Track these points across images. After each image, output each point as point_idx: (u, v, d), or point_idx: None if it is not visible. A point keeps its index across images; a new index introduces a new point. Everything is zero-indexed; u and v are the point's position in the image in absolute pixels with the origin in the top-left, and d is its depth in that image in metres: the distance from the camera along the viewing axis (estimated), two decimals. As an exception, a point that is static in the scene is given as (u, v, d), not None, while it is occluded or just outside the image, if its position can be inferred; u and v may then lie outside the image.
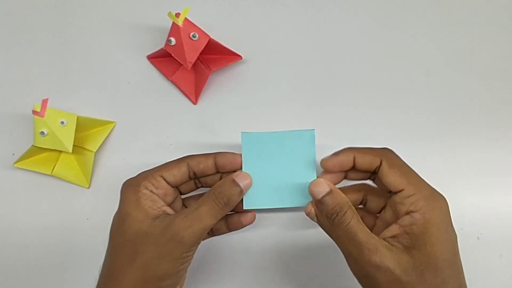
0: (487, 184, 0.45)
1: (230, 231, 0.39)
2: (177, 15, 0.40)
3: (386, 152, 0.34)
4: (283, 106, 0.46)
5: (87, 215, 0.44)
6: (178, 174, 0.35)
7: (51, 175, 0.43)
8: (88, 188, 0.44)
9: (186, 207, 0.38)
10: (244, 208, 0.36)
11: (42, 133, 0.40)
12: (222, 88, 0.46)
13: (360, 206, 0.39)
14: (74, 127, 0.41)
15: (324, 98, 0.46)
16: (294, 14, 0.48)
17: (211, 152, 0.36)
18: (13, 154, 0.44)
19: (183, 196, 0.39)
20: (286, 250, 0.43)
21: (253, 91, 0.46)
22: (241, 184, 0.34)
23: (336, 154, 0.35)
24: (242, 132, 0.36)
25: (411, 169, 0.34)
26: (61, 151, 0.43)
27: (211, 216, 0.32)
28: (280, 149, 0.35)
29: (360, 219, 0.31)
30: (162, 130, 0.45)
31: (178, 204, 0.38)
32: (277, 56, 0.47)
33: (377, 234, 0.32)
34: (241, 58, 0.45)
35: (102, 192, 0.44)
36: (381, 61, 0.47)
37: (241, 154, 0.36)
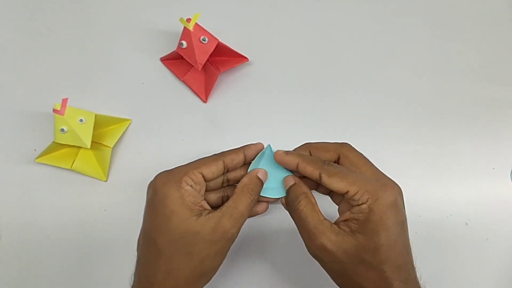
0: (475, 174, 0.46)
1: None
2: (188, 20, 0.42)
3: (323, 166, 0.35)
4: (286, 104, 0.48)
5: (104, 207, 0.45)
6: (216, 171, 0.37)
7: (70, 170, 0.44)
8: (106, 181, 0.45)
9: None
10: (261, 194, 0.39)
11: (62, 130, 0.41)
12: (230, 87, 0.48)
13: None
14: (92, 124, 0.42)
15: (324, 97, 0.48)
16: (296, 19, 0.50)
17: (240, 147, 0.39)
18: (35, 150, 0.46)
19: None
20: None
21: (259, 90, 0.48)
22: (263, 180, 0.38)
23: (285, 153, 0.37)
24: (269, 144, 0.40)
25: (350, 170, 0.36)
26: (80, 147, 0.44)
27: (249, 211, 0.36)
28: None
29: (316, 208, 0.35)
30: (175, 126, 0.47)
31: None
32: (281, 58, 0.49)
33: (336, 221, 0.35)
34: (248, 60, 0.47)
35: (119, 185, 0.45)
36: (378, 64, 0.49)
37: (260, 143, 0.40)
